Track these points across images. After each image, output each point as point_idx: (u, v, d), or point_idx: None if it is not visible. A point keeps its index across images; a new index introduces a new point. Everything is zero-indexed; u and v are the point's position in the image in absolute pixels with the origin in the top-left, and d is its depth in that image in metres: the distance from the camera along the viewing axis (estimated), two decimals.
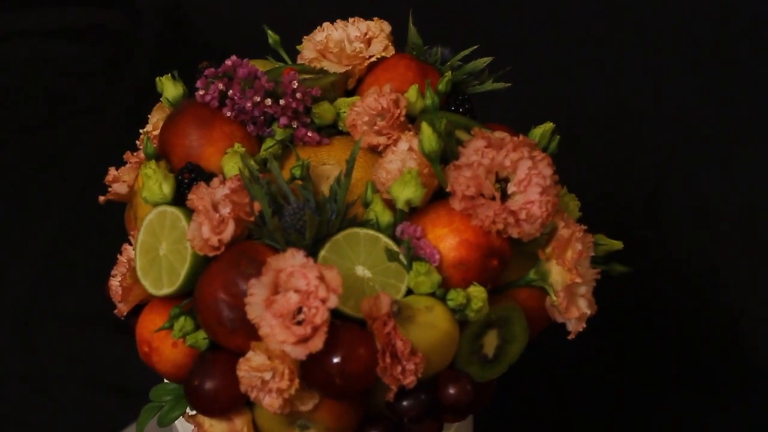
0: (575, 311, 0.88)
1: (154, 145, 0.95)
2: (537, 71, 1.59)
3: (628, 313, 1.40)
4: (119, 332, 1.33)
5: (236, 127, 0.93)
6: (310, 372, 0.81)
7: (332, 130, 0.96)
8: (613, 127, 1.61)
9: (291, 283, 0.79)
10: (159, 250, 0.87)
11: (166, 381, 0.92)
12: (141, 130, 1.00)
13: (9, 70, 1.84)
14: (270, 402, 0.81)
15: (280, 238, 0.84)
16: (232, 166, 0.89)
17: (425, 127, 0.87)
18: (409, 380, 0.81)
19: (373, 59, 0.98)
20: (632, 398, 1.35)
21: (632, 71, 1.65)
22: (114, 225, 1.07)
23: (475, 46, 1.01)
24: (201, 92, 0.94)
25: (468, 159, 0.86)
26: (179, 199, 0.89)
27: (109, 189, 0.98)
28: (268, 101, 0.92)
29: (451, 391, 0.85)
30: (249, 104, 0.92)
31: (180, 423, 0.97)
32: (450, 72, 0.98)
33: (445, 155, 0.88)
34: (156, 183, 0.89)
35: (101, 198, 0.99)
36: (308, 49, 1.00)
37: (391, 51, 0.99)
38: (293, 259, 0.79)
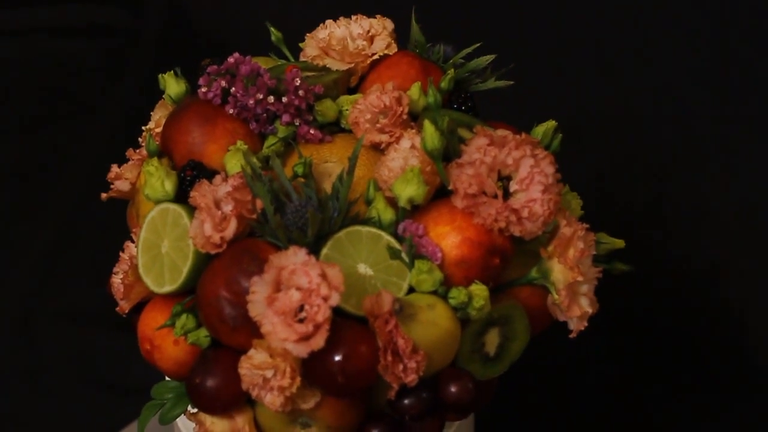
0: (577, 310, 0.88)
1: (157, 143, 0.95)
2: (539, 69, 1.59)
3: (629, 311, 1.40)
4: (121, 330, 1.32)
5: (239, 125, 0.93)
6: (312, 370, 0.81)
7: (335, 128, 0.96)
8: (615, 125, 1.61)
9: (293, 281, 0.79)
10: (161, 247, 0.87)
11: (167, 378, 0.92)
12: (143, 127, 1.00)
13: (10, 67, 1.84)
14: (271, 400, 0.81)
15: (282, 235, 0.84)
16: (234, 163, 0.89)
17: (428, 125, 0.87)
18: (411, 378, 0.81)
19: (376, 57, 0.98)
20: (633, 397, 1.35)
21: (635, 70, 1.65)
22: (116, 222, 1.07)
23: (478, 44, 1.01)
24: (203, 89, 0.93)
25: (470, 157, 0.85)
26: (181, 197, 0.89)
27: (112, 186, 0.98)
28: (271, 98, 0.92)
29: (453, 389, 0.84)
30: (251, 101, 0.92)
31: (181, 421, 0.97)
32: (452, 70, 0.98)
33: (448, 153, 0.88)
34: (158, 180, 0.89)
35: (103, 195, 0.99)
36: (311, 47, 1.00)
37: (394, 48, 0.99)
38: (295, 257, 0.79)
